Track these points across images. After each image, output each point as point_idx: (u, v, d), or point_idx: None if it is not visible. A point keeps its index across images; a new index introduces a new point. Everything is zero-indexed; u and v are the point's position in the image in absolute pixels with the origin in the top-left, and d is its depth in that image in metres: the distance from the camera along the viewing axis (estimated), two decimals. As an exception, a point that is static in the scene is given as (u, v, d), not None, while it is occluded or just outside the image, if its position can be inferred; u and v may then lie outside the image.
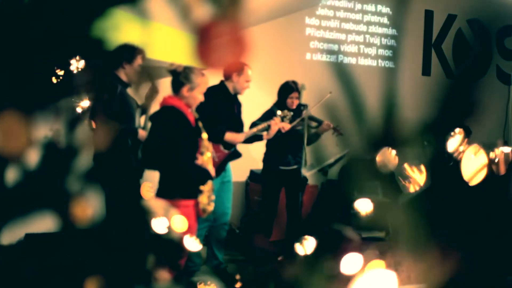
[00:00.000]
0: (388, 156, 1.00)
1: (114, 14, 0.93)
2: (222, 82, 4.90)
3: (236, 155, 4.90)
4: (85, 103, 1.14)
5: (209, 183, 3.79)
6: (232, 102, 4.94)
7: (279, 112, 5.07)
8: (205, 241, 4.96)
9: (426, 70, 8.23)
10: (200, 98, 3.75)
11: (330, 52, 7.45)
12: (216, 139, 4.72)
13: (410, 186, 0.91)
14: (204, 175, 3.73)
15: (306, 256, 1.03)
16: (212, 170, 3.80)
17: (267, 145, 5.36)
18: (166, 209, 1.57)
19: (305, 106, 5.21)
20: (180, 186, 3.61)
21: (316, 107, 5.33)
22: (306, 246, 1.02)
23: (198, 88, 3.71)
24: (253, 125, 5.19)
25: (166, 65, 3.78)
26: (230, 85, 4.88)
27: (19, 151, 0.84)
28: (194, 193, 3.68)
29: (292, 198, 5.37)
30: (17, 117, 0.83)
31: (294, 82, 5.27)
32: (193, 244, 1.39)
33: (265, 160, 5.41)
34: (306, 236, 1.03)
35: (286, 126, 5.08)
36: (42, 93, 0.90)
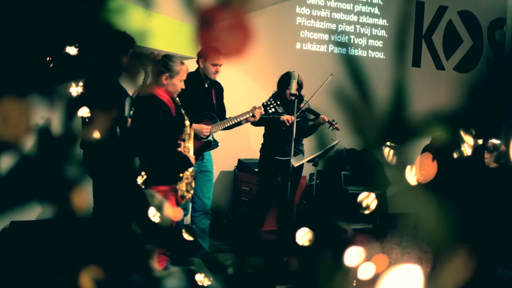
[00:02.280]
0: (387, 154, 0.98)
1: (116, 2, 0.91)
2: (197, 69, 4.87)
3: (210, 145, 4.86)
4: (78, 90, 1.11)
5: (191, 170, 3.85)
6: (206, 88, 4.89)
7: (263, 100, 5.06)
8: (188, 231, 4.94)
9: (416, 62, 8.24)
10: (181, 85, 3.80)
11: (320, 42, 7.42)
12: None
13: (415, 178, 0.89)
14: (184, 163, 3.78)
15: (305, 248, 1.01)
16: (192, 158, 3.85)
17: (265, 135, 5.37)
18: (159, 198, 1.55)
19: (299, 97, 5.20)
20: (157, 173, 3.63)
21: (316, 94, 5.28)
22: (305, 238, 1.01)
23: (178, 76, 3.77)
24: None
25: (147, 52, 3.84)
26: (201, 71, 4.85)
27: (17, 137, 0.82)
28: (172, 180, 3.75)
29: (285, 188, 5.36)
30: (15, 104, 0.81)
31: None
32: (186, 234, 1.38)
33: (262, 150, 5.43)
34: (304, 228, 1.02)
35: (290, 118, 5.08)
36: (38, 80, 0.88)
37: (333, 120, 5.31)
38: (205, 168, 4.90)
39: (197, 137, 4.71)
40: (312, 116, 5.42)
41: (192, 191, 3.91)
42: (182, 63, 3.81)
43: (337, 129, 5.28)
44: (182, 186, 3.81)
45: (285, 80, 5.28)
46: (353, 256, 0.87)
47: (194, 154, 4.73)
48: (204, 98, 4.84)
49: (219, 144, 4.88)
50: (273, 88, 5.50)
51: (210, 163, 4.96)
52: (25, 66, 0.86)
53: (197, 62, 4.84)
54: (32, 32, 0.84)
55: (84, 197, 0.98)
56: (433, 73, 8.32)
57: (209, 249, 5.00)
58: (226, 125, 4.91)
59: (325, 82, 5.12)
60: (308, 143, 5.64)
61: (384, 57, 7.85)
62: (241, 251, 5.41)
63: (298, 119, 5.26)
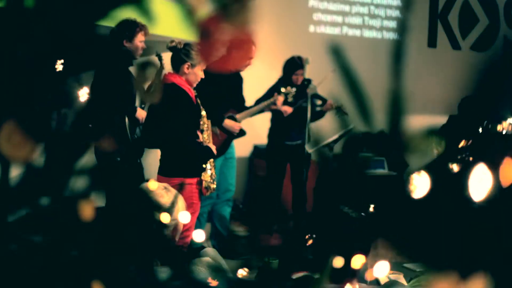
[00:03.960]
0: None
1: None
2: None
3: (240, 133, 4.88)
4: (86, 91, 1.10)
5: (211, 161, 3.79)
6: (232, 80, 4.88)
7: (282, 89, 5.04)
8: (208, 218, 4.95)
9: (432, 42, 8.12)
10: (201, 75, 3.71)
11: (334, 24, 7.33)
12: (215, 122, 4.70)
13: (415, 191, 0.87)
14: (206, 153, 3.72)
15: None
16: (213, 147, 3.79)
17: (272, 120, 5.35)
18: (171, 198, 1.53)
19: (309, 81, 5.17)
20: (182, 165, 3.60)
21: (321, 84, 5.24)
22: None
23: (199, 66, 3.68)
24: (257, 103, 5.15)
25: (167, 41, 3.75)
26: None
27: (24, 155, 0.82)
28: (197, 171, 3.68)
29: (297, 173, 5.37)
30: (17, 123, 0.80)
31: (300, 58, 5.24)
32: (198, 234, 1.36)
33: (270, 135, 5.41)
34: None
35: (288, 109, 5.06)
36: (45, 83, 0.87)
37: (341, 105, 5.27)
38: (230, 155, 4.92)
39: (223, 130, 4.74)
40: (319, 102, 5.40)
41: (215, 182, 3.86)
42: None
43: (345, 113, 5.25)
44: (206, 177, 3.75)
45: (290, 65, 5.26)
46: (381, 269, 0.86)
47: (225, 142, 4.75)
48: (232, 88, 4.86)
49: (245, 132, 4.90)
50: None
51: (234, 149, 4.99)
52: (30, 73, 0.86)
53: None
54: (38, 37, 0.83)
55: (92, 207, 0.97)
56: (449, 53, 8.20)
57: (227, 236, 5.03)
58: (252, 113, 4.96)
59: (325, 78, 5.05)
60: (321, 128, 5.61)
61: (399, 38, 7.73)
62: (255, 238, 5.42)
63: (304, 103, 5.24)
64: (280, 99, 4.97)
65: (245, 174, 6.65)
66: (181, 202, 1.68)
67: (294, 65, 5.22)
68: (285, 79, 5.22)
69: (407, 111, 1.02)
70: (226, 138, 4.76)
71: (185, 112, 3.59)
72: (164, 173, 3.59)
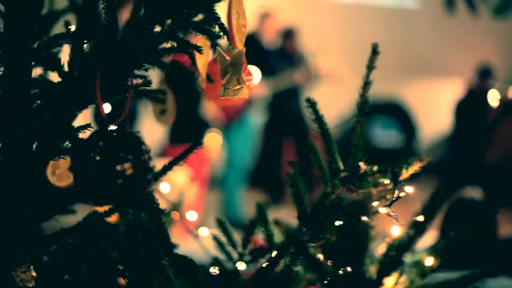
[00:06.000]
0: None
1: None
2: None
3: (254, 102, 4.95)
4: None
5: (216, 129, 3.99)
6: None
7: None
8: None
9: (448, 8, 7.88)
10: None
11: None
12: None
13: None
14: (203, 123, 3.94)
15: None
16: (218, 117, 3.86)
17: (272, 93, 5.40)
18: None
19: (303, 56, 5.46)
20: (186, 132, 3.84)
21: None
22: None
23: None
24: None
25: None
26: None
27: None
28: (200, 138, 3.89)
29: (300, 144, 5.52)
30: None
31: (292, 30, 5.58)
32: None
33: (269, 107, 5.52)
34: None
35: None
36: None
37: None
38: (247, 125, 4.97)
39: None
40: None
41: (221, 149, 3.98)
42: None
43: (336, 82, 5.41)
44: (210, 144, 3.86)
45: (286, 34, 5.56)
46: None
47: (240, 112, 4.82)
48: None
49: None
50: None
51: (252, 121, 5.07)
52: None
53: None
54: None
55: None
56: (469, 20, 7.95)
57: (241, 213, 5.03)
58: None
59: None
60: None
61: (413, 5, 7.49)
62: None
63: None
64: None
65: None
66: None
67: (288, 34, 5.51)
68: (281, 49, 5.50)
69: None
70: (242, 109, 4.79)
71: (182, 86, 3.84)
72: (172, 140, 3.93)
